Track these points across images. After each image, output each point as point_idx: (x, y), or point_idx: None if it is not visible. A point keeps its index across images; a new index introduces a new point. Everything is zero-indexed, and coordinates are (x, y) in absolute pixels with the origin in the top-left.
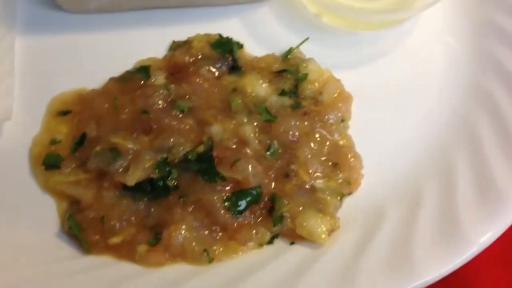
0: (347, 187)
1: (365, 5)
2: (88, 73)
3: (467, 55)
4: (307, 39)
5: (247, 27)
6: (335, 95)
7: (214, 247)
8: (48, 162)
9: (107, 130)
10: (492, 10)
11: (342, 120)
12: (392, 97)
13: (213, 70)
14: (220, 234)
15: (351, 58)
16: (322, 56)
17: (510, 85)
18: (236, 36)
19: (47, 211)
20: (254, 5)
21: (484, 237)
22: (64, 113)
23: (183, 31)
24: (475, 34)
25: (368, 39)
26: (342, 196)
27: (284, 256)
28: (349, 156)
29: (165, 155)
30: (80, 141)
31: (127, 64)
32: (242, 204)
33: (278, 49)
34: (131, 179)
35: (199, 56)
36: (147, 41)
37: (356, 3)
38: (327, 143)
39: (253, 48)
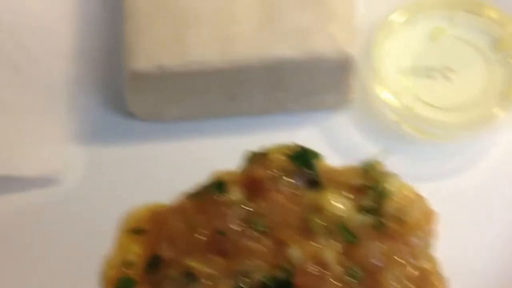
0: None
1: (445, 118)
2: (160, 185)
3: None
4: (388, 154)
5: (324, 136)
6: (420, 214)
7: None
8: None
9: (182, 252)
10: None
11: (427, 242)
12: (479, 213)
13: (291, 185)
14: None
15: (433, 170)
16: (402, 167)
17: None
18: (312, 145)
19: None
20: (331, 114)
21: None
22: (138, 231)
23: (257, 139)
24: None
25: (451, 149)
26: None
27: None
28: (436, 282)
29: (241, 281)
30: (153, 263)
31: (200, 174)
32: None
33: (357, 159)
34: None
35: (277, 170)
36: (220, 150)
37: (435, 115)
38: (412, 268)
39: (331, 158)
